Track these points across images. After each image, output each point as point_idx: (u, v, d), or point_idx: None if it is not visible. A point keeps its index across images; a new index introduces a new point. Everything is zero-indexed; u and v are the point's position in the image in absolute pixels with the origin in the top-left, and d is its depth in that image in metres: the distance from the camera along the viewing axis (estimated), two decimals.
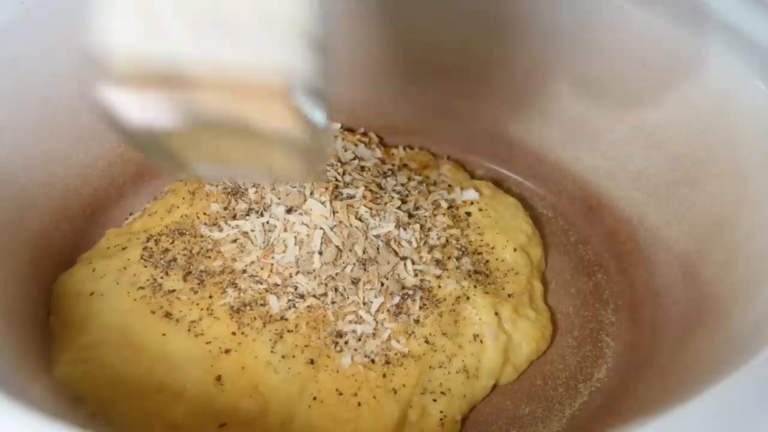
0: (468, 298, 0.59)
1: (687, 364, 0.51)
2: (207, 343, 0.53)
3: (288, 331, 0.54)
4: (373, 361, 0.54)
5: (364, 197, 0.62)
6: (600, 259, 0.71)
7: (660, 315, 0.62)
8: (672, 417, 0.35)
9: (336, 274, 0.57)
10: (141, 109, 0.27)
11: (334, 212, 0.59)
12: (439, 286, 0.59)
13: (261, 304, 0.55)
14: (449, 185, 0.71)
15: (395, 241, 0.60)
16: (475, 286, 0.60)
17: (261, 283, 0.56)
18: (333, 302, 0.56)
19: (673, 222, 0.64)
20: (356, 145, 0.72)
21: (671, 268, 0.63)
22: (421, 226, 0.63)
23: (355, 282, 0.57)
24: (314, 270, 0.56)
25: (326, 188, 0.61)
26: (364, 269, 0.57)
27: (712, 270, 0.57)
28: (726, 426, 0.35)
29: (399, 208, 0.63)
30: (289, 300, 0.56)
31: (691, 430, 0.35)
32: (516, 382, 0.60)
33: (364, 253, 0.58)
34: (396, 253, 0.59)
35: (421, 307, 0.57)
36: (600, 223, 0.73)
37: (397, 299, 0.56)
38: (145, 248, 0.60)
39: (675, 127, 0.63)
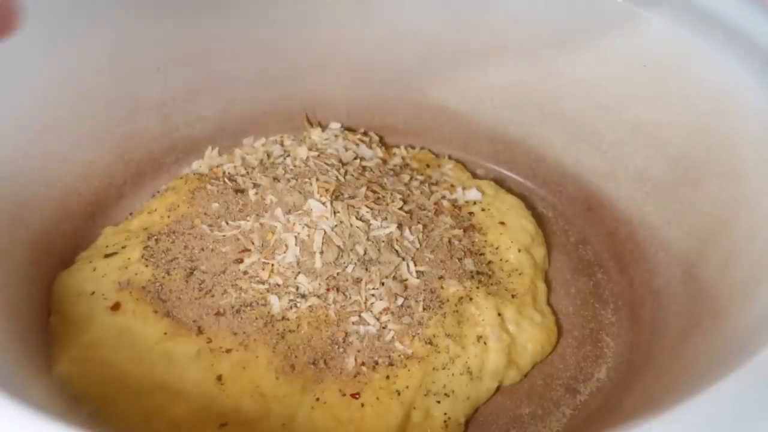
0: (471, 299, 0.59)
1: (686, 364, 0.51)
2: (208, 342, 0.53)
3: (289, 331, 0.54)
4: (376, 363, 0.54)
5: (366, 197, 0.62)
6: (600, 259, 0.71)
7: (660, 315, 0.62)
8: (672, 416, 0.36)
9: (337, 273, 0.57)
10: None
11: (335, 212, 0.59)
12: (442, 287, 0.59)
13: (262, 304, 0.55)
14: (451, 185, 0.71)
15: (397, 241, 0.60)
16: (477, 287, 0.60)
17: (262, 284, 0.56)
18: (335, 302, 0.56)
19: (673, 222, 0.64)
20: (357, 144, 0.72)
21: (671, 268, 0.63)
22: (424, 227, 0.63)
23: (356, 282, 0.57)
24: (315, 270, 0.56)
25: (327, 189, 0.61)
26: (366, 269, 0.57)
27: (712, 270, 0.57)
28: (725, 425, 0.35)
29: (401, 208, 0.63)
30: (291, 300, 0.56)
31: (691, 429, 0.35)
32: (516, 382, 0.60)
33: (365, 253, 0.58)
34: (398, 254, 0.59)
35: (424, 309, 0.57)
36: (600, 223, 0.73)
37: (400, 301, 0.56)
38: (146, 247, 0.60)
39: (675, 128, 0.63)
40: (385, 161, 0.72)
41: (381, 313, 0.56)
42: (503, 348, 0.57)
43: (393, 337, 0.55)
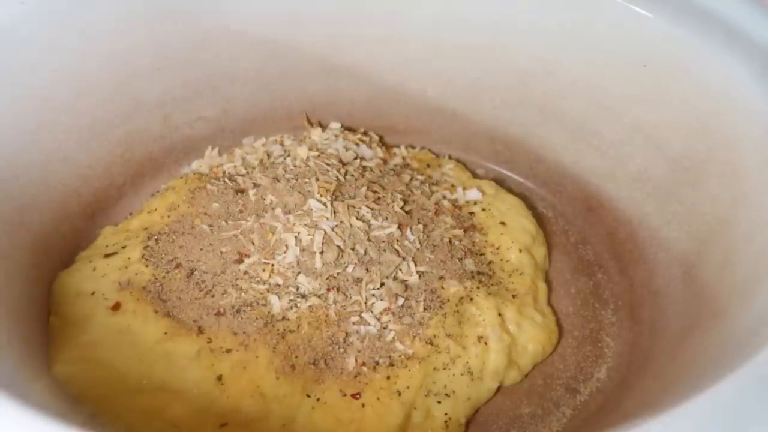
0: (472, 299, 0.59)
1: (686, 364, 0.51)
2: (208, 342, 0.53)
3: (290, 331, 0.54)
4: (377, 363, 0.54)
5: (366, 197, 0.62)
6: (600, 259, 0.71)
7: (659, 315, 0.62)
8: (671, 417, 0.36)
9: (337, 273, 0.57)
10: None
11: (335, 212, 0.59)
12: (443, 287, 0.59)
13: (262, 304, 0.55)
14: (452, 185, 0.71)
15: (397, 241, 0.60)
16: (478, 287, 0.60)
17: (262, 284, 0.56)
18: (335, 302, 0.56)
19: (673, 222, 0.64)
20: (357, 144, 0.72)
21: (671, 268, 0.63)
22: (424, 227, 0.63)
23: (357, 282, 0.57)
24: (315, 270, 0.56)
25: (327, 189, 0.61)
26: (366, 269, 0.57)
27: (711, 270, 0.57)
28: (724, 425, 0.35)
29: (401, 208, 0.63)
30: (291, 300, 0.56)
31: (691, 429, 0.35)
32: (517, 382, 0.60)
33: (365, 253, 0.58)
34: (398, 254, 0.59)
35: (425, 309, 0.57)
36: (600, 223, 0.73)
37: (401, 301, 0.56)
38: (146, 247, 0.60)
39: (674, 128, 0.63)
40: (385, 161, 0.72)
41: (381, 313, 0.56)
42: (504, 348, 0.57)
43: (393, 337, 0.55)
